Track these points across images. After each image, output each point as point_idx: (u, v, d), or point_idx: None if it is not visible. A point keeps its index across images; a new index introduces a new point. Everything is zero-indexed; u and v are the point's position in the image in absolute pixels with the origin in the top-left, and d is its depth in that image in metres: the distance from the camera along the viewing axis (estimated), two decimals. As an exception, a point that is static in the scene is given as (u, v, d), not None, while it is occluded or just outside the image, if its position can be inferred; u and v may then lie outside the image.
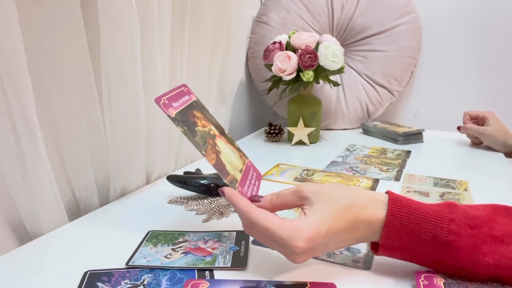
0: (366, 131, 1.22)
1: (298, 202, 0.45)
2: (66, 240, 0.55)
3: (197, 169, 0.76)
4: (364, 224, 0.43)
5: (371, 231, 0.43)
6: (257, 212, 0.43)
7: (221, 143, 0.53)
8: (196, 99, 0.56)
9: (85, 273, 0.46)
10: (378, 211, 0.43)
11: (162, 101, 0.48)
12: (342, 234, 0.43)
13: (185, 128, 0.48)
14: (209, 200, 0.67)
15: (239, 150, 0.58)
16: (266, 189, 0.73)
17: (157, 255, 0.50)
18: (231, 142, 0.57)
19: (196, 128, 0.50)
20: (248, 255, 0.50)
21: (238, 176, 0.51)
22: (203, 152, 0.48)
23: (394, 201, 0.43)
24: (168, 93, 0.51)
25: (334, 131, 1.26)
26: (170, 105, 0.49)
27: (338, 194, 0.44)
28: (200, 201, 0.67)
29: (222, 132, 0.56)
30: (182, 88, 0.55)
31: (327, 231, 0.41)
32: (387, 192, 0.45)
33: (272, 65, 1.00)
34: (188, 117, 0.51)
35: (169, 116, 0.48)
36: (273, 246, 0.43)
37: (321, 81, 1.06)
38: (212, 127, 0.54)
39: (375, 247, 0.45)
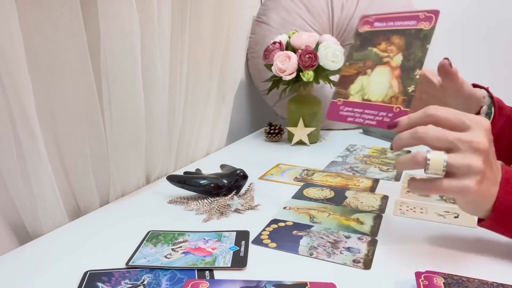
0: (366, 131, 1.22)
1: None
2: (66, 240, 0.55)
3: (197, 169, 0.76)
4: None
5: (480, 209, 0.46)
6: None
7: (381, 71, 0.55)
8: (426, 28, 0.53)
9: (85, 273, 0.46)
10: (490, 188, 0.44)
11: (367, 18, 0.56)
12: None
13: (358, 43, 0.57)
14: (209, 200, 0.67)
15: (406, 94, 0.52)
16: (266, 189, 0.74)
17: (157, 255, 0.50)
18: (405, 82, 0.53)
19: (369, 48, 0.56)
20: (248, 255, 0.50)
21: (355, 98, 0.55)
22: (347, 63, 0.57)
23: (506, 182, 0.45)
24: (390, 14, 0.55)
25: (334, 131, 1.26)
26: (370, 23, 0.56)
27: None
28: (200, 201, 0.67)
29: (407, 68, 0.53)
30: (421, 13, 0.53)
31: None
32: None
33: (272, 65, 1.00)
34: (376, 37, 0.56)
35: (356, 30, 0.57)
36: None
37: (321, 81, 1.06)
38: (397, 57, 0.54)
39: (480, 220, 0.48)
